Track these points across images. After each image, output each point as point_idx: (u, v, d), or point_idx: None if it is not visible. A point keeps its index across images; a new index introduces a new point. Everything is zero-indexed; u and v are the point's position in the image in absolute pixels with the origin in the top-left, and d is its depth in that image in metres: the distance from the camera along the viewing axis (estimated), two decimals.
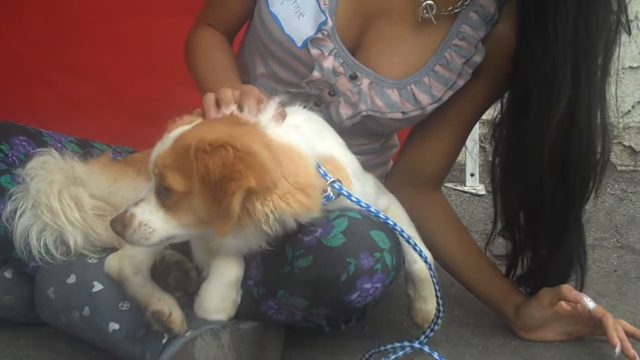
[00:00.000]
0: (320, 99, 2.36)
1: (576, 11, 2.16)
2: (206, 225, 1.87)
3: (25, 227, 2.14)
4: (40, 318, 2.21)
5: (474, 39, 2.34)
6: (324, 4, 2.28)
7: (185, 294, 2.11)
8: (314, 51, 2.29)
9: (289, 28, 2.29)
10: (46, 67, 3.47)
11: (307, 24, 2.28)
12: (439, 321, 2.12)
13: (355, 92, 2.33)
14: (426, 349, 2.12)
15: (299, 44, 2.28)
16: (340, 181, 1.94)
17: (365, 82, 2.33)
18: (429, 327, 2.14)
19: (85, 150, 2.43)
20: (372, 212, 1.97)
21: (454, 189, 3.75)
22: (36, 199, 2.13)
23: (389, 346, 2.15)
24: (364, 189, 2.06)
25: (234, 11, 2.47)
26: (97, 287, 2.11)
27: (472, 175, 3.79)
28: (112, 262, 2.09)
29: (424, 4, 2.31)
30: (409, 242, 2.01)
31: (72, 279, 2.13)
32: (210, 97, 1.98)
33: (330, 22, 2.28)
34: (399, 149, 2.66)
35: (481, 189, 3.74)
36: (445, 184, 3.67)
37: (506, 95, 2.42)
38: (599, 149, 2.28)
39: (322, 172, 1.92)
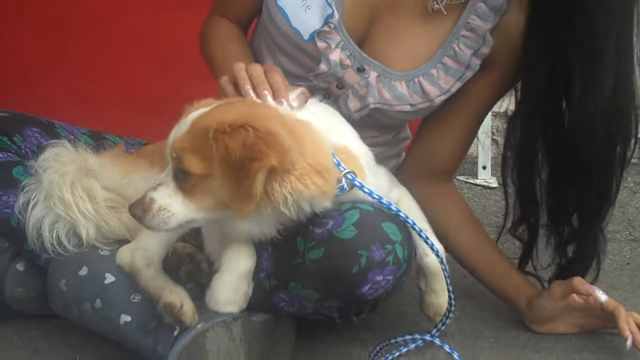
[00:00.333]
0: (328, 93, 2.36)
1: None
2: (225, 207, 1.86)
3: (38, 219, 2.14)
4: (53, 310, 2.22)
5: (482, 30, 2.34)
6: None
7: (196, 285, 2.11)
8: (321, 44, 2.28)
9: (296, 21, 2.29)
10: (54, 63, 3.49)
11: (314, 17, 2.28)
12: (451, 315, 2.12)
13: (363, 85, 2.33)
14: (437, 341, 2.12)
15: (306, 37, 2.28)
16: (354, 172, 1.94)
17: (372, 75, 2.33)
18: (441, 320, 2.14)
19: (98, 142, 2.44)
20: (384, 204, 1.96)
21: (466, 182, 3.74)
22: (49, 191, 2.14)
23: (400, 339, 2.15)
24: (377, 181, 2.05)
25: (245, 3, 2.48)
26: (109, 279, 2.11)
27: (484, 167, 3.78)
28: (124, 254, 2.10)
29: None
30: (420, 235, 2.01)
31: (84, 271, 2.13)
32: (241, 69, 1.99)
33: (336, 15, 2.28)
34: (411, 141, 2.66)
35: (493, 182, 3.73)
36: (457, 177, 3.67)
37: (519, 86, 2.42)
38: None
39: (336, 161, 1.92)
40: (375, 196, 1.95)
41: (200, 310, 2.04)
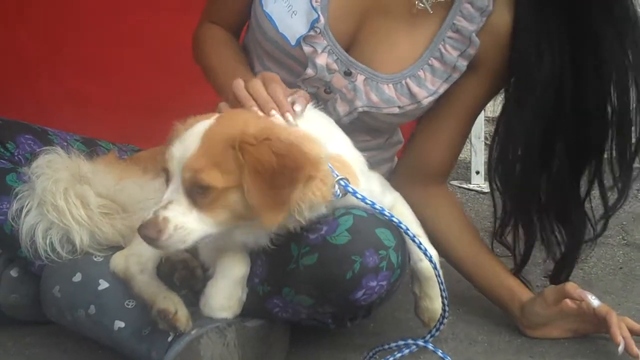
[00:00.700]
0: (317, 98, 2.36)
1: None
2: (239, 220, 1.86)
3: (31, 225, 2.14)
4: (46, 316, 2.22)
5: (467, 32, 2.35)
6: (316, 2, 2.29)
7: (190, 291, 2.11)
8: (307, 48, 2.29)
9: (283, 27, 2.30)
10: (52, 64, 3.48)
11: (300, 22, 2.29)
12: (445, 320, 2.12)
13: (350, 89, 2.34)
14: (431, 346, 2.12)
15: (293, 42, 2.29)
16: (347, 179, 1.94)
17: (360, 79, 2.34)
18: (435, 326, 2.14)
19: (91, 148, 2.43)
20: (378, 210, 1.97)
21: (460, 187, 3.75)
22: (42, 198, 2.13)
23: (393, 344, 2.15)
24: (370, 187, 2.06)
25: (236, 9, 2.48)
26: (103, 285, 2.11)
27: (477, 172, 3.79)
28: (118, 261, 2.09)
29: None
30: (413, 241, 2.00)
31: (77, 277, 2.13)
32: (241, 89, 2.00)
33: (322, 20, 2.29)
34: (404, 146, 2.67)
35: (486, 187, 3.72)
36: (450, 182, 3.67)
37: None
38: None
39: (330, 168, 1.93)
40: (369, 202, 1.95)
41: (195, 316, 2.04)
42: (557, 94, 2.32)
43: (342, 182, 1.92)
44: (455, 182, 3.76)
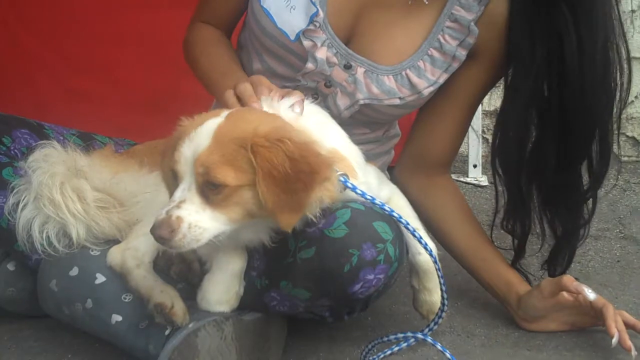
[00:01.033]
0: (317, 92, 2.36)
1: None
2: (251, 217, 1.85)
3: (28, 219, 2.14)
4: (43, 310, 2.22)
5: (466, 21, 2.35)
6: None
7: (188, 285, 2.11)
8: (307, 43, 2.29)
9: (281, 22, 2.29)
10: (50, 60, 3.49)
11: (299, 17, 2.29)
12: (443, 314, 2.11)
13: (351, 82, 2.34)
14: (429, 339, 2.12)
15: (292, 37, 2.29)
16: (346, 175, 1.94)
17: (360, 71, 2.34)
18: (434, 319, 2.14)
19: (87, 142, 2.43)
20: (377, 204, 1.96)
21: (457, 180, 3.75)
22: (38, 192, 2.13)
23: (391, 337, 2.15)
24: (367, 179, 2.05)
25: (228, 7, 2.48)
26: (100, 279, 2.11)
27: (474, 166, 3.79)
28: (115, 254, 2.09)
29: None
30: (413, 235, 2.00)
31: (74, 271, 2.13)
32: (230, 94, 2.01)
33: (321, 14, 2.29)
34: (401, 139, 2.67)
35: (484, 180, 3.74)
36: None
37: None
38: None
39: None
40: (368, 197, 1.95)
41: (192, 309, 2.04)
42: (549, 79, 2.32)
43: (341, 178, 1.92)
44: (452, 176, 3.75)
